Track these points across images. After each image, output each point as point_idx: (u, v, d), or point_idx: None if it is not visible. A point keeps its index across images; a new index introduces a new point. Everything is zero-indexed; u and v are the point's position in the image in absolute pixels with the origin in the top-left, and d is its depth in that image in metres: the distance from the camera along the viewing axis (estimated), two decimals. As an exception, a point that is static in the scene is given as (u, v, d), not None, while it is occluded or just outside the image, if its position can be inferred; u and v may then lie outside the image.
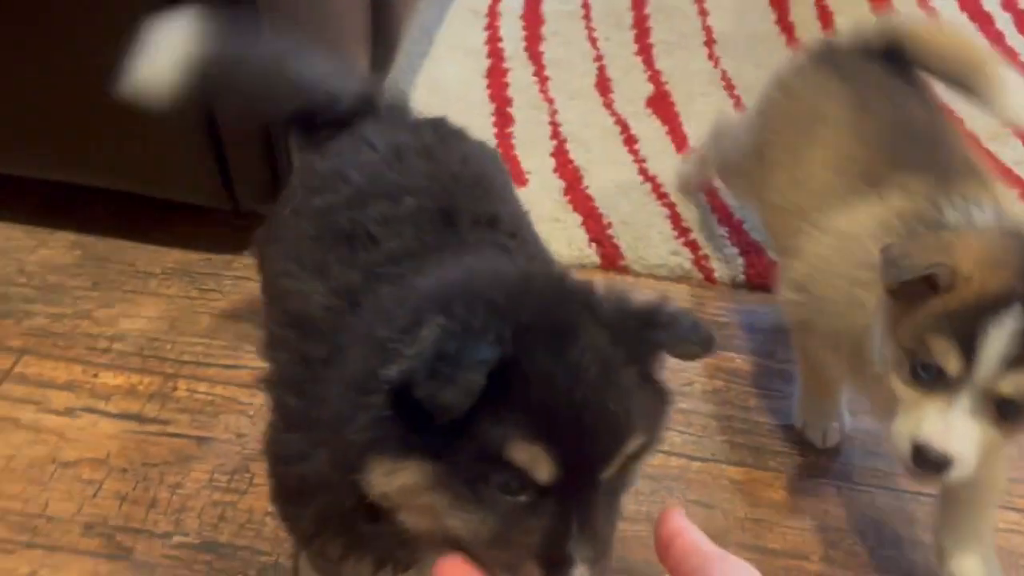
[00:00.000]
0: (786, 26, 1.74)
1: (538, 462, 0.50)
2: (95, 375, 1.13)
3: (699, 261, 1.29)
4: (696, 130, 1.50)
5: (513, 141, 1.48)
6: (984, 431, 0.75)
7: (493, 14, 1.76)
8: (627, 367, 0.54)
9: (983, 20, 1.76)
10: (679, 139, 1.49)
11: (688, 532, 0.46)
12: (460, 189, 0.74)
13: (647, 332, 0.56)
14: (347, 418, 0.55)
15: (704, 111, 1.55)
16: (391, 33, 1.35)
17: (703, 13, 1.78)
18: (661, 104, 1.56)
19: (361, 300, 0.65)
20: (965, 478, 0.77)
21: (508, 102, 1.56)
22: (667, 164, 1.44)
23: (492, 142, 1.46)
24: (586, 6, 1.79)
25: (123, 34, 1.03)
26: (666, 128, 1.51)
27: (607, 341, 0.53)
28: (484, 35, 1.71)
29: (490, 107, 1.54)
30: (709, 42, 1.71)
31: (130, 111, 1.10)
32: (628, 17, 1.76)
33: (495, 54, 1.66)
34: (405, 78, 1.58)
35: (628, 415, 0.53)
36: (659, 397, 0.58)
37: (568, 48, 1.69)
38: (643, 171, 1.44)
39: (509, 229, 0.73)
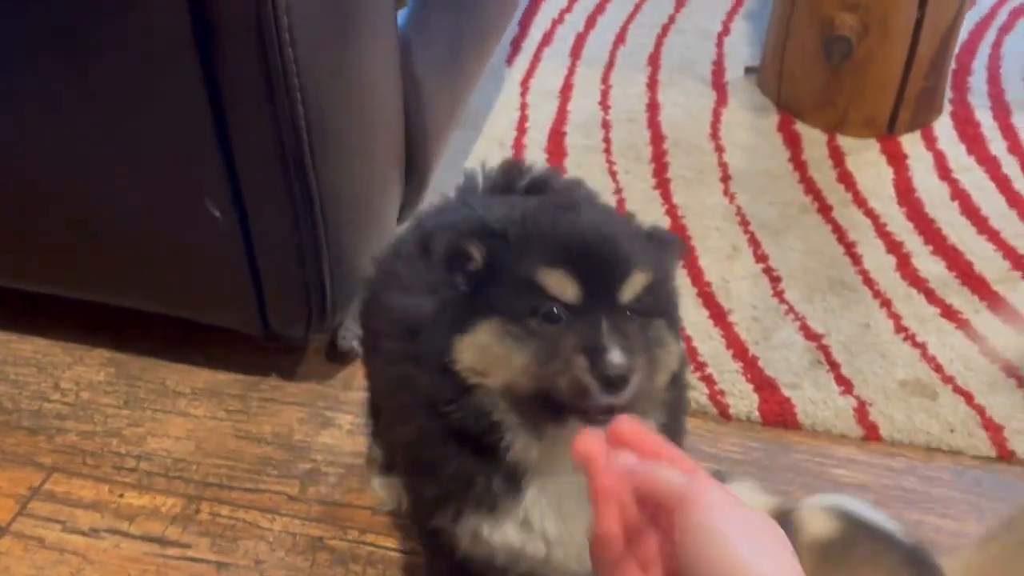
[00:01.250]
0: (799, 164, 1.81)
1: (563, 284, 0.66)
2: (120, 495, 1.15)
3: (714, 396, 1.32)
4: (711, 264, 1.55)
5: (534, 270, 1.53)
6: None
7: (519, 146, 1.85)
8: (625, 224, 0.73)
9: (990, 164, 1.82)
10: (694, 272, 1.54)
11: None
12: None
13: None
14: (434, 320, 0.74)
15: (719, 246, 1.60)
16: (424, 167, 1.42)
17: (719, 150, 1.86)
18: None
19: None
20: None
21: (530, 231, 1.62)
22: (683, 297, 1.48)
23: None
24: (607, 140, 1.88)
25: (163, 164, 1.11)
26: (682, 262, 1.56)
27: (609, 212, 0.76)
28: (509, 166, 1.78)
29: (513, 236, 1.60)
30: (725, 178, 1.78)
31: (168, 241, 1.18)
32: (647, 152, 1.84)
33: (519, 184, 1.74)
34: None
35: (631, 248, 0.69)
36: (663, 247, 0.75)
37: (589, 180, 1.73)
38: (660, 303, 1.48)
39: None
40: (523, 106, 1.97)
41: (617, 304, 0.67)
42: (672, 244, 0.77)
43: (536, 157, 1.81)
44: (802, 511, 0.74)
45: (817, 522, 0.72)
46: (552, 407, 0.67)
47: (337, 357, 1.35)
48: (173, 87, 1.04)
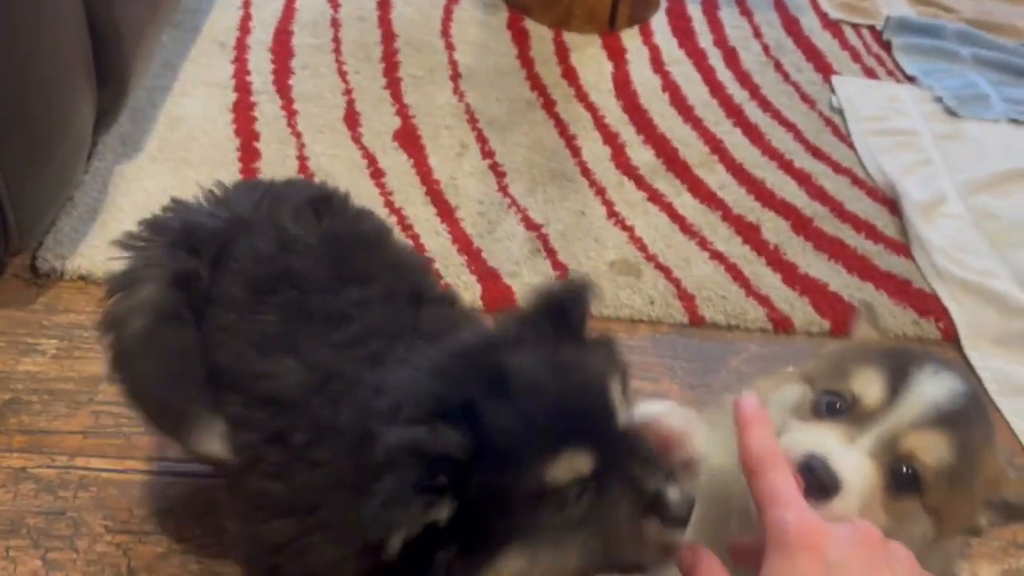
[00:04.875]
0: (526, 61, 1.86)
1: (574, 463, 0.56)
2: None
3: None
4: (439, 162, 1.58)
5: (259, 176, 1.49)
6: (874, 479, 0.65)
7: (241, 47, 1.76)
8: (568, 347, 0.61)
9: (698, 56, 1.96)
10: (424, 171, 1.56)
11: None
12: (411, 272, 0.85)
13: (566, 315, 0.65)
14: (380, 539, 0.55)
15: (448, 144, 1.63)
16: (121, 72, 1.32)
17: (449, 48, 1.86)
18: (408, 138, 1.63)
19: (335, 377, 0.69)
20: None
21: (255, 136, 1.56)
22: (412, 196, 1.51)
23: (237, 177, 1.48)
24: (336, 40, 1.83)
25: None
26: (412, 161, 1.58)
27: (531, 351, 0.60)
28: (231, 68, 1.70)
29: (236, 142, 1.54)
30: (455, 76, 1.79)
31: None
32: (377, 51, 1.82)
33: (242, 88, 1.66)
34: (144, 114, 1.54)
35: (595, 376, 0.60)
36: (606, 347, 0.66)
37: (318, 81, 1.72)
38: (389, 203, 1.49)
39: (450, 299, 0.86)
40: (246, 4, 1.87)
41: (617, 433, 0.59)
42: (611, 346, 0.67)
43: (261, 59, 1.73)
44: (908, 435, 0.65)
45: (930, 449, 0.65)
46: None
47: (38, 279, 1.26)
48: None
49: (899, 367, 0.67)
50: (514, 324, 0.64)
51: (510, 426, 0.56)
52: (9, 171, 1.07)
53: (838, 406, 0.68)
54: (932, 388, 0.66)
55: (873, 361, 0.69)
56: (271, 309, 0.77)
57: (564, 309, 0.65)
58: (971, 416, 0.67)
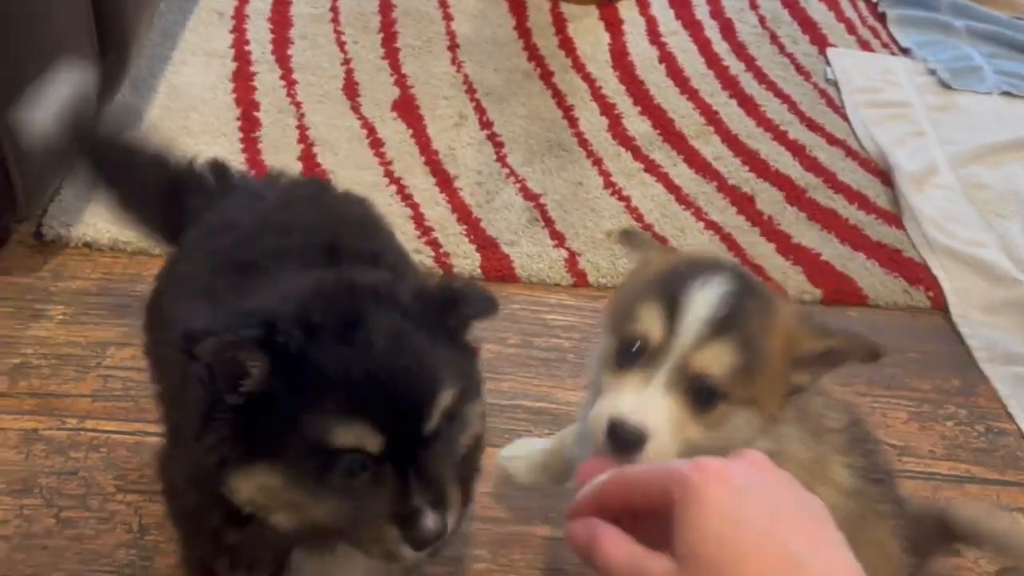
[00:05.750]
0: (524, 31, 1.87)
1: (362, 437, 0.57)
2: None
3: (440, 258, 1.39)
4: (438, 132, 1.59)
5: (260, 145, 1.50)
6: (678, 409, 0.68)
7: (240, 16, 1.76)
8: (421, 334, 0.61)
9: (695, 27, 1.97)
10: (423, 141, 1.58)
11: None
12: (346, 228, 0.82)
13: (449, 309, 0.65)
14: (197, 441, 0.61)
15: (447, 114, 1.64)
16: (122, 41, 1.33)
17: (447, 18, 1.87)
18: (406, 107, 1.64)
19: None
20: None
21: (255, 106, 1.57)
22: (411, 166, 1.53)
23: (238, 147, 1.49)
24: (334, 9, 1.83)
25: None
26: (411, 131, 1.59)
27: (398, 319, 0.61)
28: (230, 38, 1.71)
29: (236, 111, 1.55)
30: (453, 46, 1.80)
31: None
32: (375, 21, 1.82)
33: (241, 57, 1.67)
34: (145, 84, 1.55)
35: (431, 372, 0.60)
36: (467, 353, 0.67)
37: (316, 51, 1.73)
38: (388, 173, 1.51)
39: (390, 265, 0.79)
40: (244, -27, 1.87)
41: (422, 438, 0.60)
42: (482, 305, 0.68)
43: (259, 28, 1.74)
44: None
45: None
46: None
47: (43, 247, 1.27)
48: None
49: (671, 295, 0.69)
50: (409, 290, 0.65)
51: (335, 369, 0.58)
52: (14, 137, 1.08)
53: (635, 350, 0.69)
54: (701, 304, 0.68)
55: (649, 296, 0.70)
56: (203, 255, 0.80)
57: (454, 303, 0.65)
58: (744, 310, 0.69)
